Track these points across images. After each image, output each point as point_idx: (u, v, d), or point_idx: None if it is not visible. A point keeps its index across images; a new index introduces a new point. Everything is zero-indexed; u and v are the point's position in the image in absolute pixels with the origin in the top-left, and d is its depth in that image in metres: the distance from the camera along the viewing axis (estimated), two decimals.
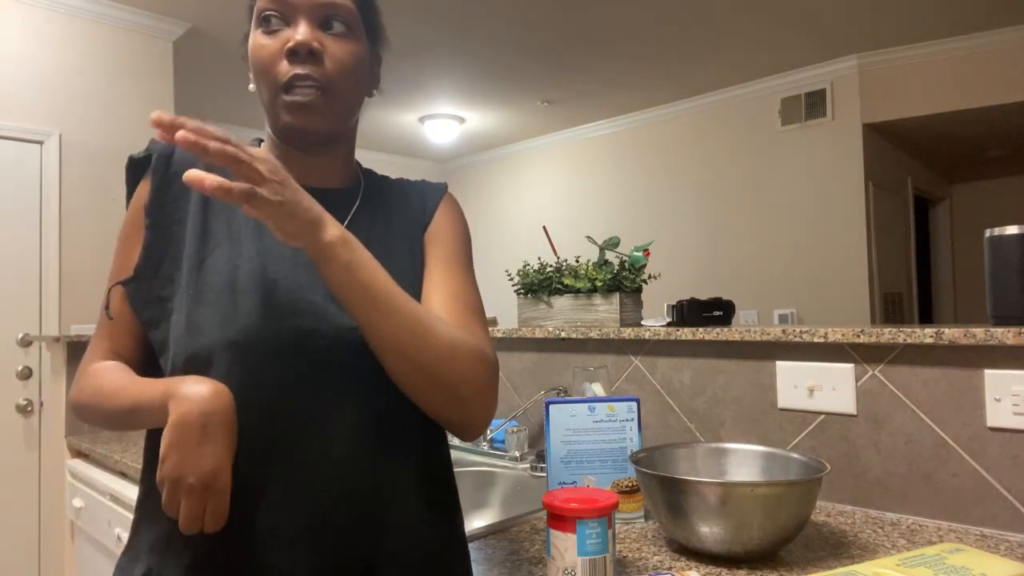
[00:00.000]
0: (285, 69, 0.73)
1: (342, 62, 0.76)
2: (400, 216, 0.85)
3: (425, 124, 5.33)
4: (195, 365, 0.69)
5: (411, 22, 3.62)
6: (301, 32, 0.73)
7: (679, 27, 3.74)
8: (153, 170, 0.79)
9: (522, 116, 5.34)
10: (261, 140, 0.85)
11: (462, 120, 5.35)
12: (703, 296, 1.56)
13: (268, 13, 0.75)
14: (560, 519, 0.83)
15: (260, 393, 0.68)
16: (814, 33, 3.86)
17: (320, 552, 0.68)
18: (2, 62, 2.93)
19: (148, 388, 0.67)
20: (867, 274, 4.14)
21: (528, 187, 6.12)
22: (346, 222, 0.80)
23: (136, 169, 0.82)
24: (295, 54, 0.73)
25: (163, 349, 0.73)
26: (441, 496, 0.79)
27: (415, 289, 0.81)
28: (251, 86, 0.79)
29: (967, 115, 4.08)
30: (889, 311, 4.38)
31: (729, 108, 4.79)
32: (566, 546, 0.82)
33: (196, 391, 0.63)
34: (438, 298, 0.79)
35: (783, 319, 4.45)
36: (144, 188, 0.79)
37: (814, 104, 4.38)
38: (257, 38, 0.75)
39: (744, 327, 1.44)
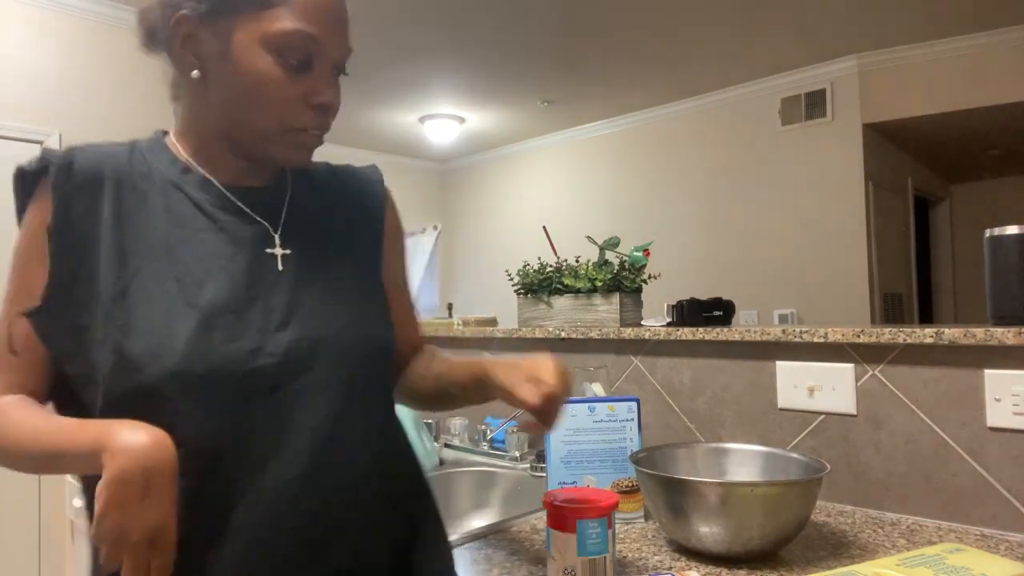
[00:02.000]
0: (305, 116, 0.70)
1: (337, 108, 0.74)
2: (336, 209, 0.82)
3: (425, 124, 5.33)
4: (135, 401, 0.63)
5: (411, 22, 3.62)
6: (333, 90, 0.71)
7: (679, 27, 3.74)
8: (54, 185, 0.69)
9: (522, 116, 5.34)
10: (165, 132, 0.78)
11: (462, 120, 5.35)
12: (703, 296, 1.56)
13: (294, 47, 0.68)
14: (560, 519, 0.83)
15: (210, 422, 0.64)
16: (814, 33, 3.86)
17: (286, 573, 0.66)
18: (2, 62, 2.93)
19: (75, 434, 0.60)
20: (867, 274, 4.14)
21: (528, 187, 6.12)
22: (279, 226, 0.75)
23: (26, 182, 0.71)
24: (325, 111, 0.71)
25: (87, 382, 0.66)
26: (409, 487, 0.79)
27: (363, 289, 0.79)
28: (195, 73, 0.70)
29: (967, 115, 4.08)
30: (889, 311, 4.38)
31: (729, 108, 4.79)
32: (566, 546, 0.82)
33: (134, 442, 0.56)
34: (412, 322, 0.90)
35: (783, 319, 4.45)
36: (43, 205, 0.69)
37: (814, 104, 4.38)
38: (270, 67, 0.68)
39: (744, 327, 1.44)
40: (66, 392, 0.68)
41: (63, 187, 0.69)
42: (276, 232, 0.74)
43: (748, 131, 4.69)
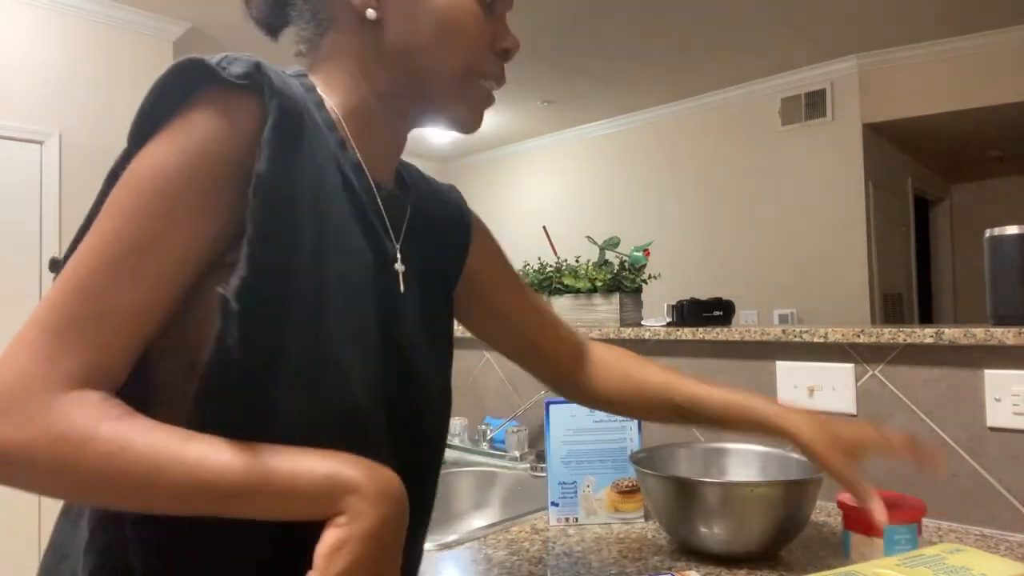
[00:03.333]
0: (492, 63, 0.62)
1: None
2: (437, 230, 0.72)
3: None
4: (345, 427, 0.50)
5: None
6: (513, 36, 0.64)
7: (679, 27, 3.74)
8: (276, 111, 0.49)
9: (522, 116, 5.34)
10: (305, 74, 0.61)
11: None
12: (703, 296, 1.56)
13: None
14: (865, 522, 0.85)
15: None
16: (814, 33, 3.86)
17: None
18: (2, 62, 2.93)
19: (282, 462, 0.45)
20: (867, 274, 4.14)
21: (528, 187, 6.11)
22: (400, 239, 0.64)
23: (194, 75, 0.49)
24: (508, 55, 0.64)
25: (278, 385, 0.48)
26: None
27: (448, 321, 0.73)
28: (371, 12, 0.58)
29: (967, 115, 4.08)
30: (889, 311, 4.38)
31: (729, 108, 4.79)
32: (871, 551, 0.83)
33: (392, 483, 0.46)
34: (548, 314, 0.84)
35: (783, 319, 4.45)
36: (232, 121, 0.48)
37: (814, 104, 4.38)
38: (470, 2, 0.60)
39: (744, 327, 1.43)
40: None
41: (284, 121, 0.49)
42: (397, 243, 0.63)
43: (748, 131, 4.69)
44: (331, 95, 0.60)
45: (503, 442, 1.71)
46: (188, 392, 0.47)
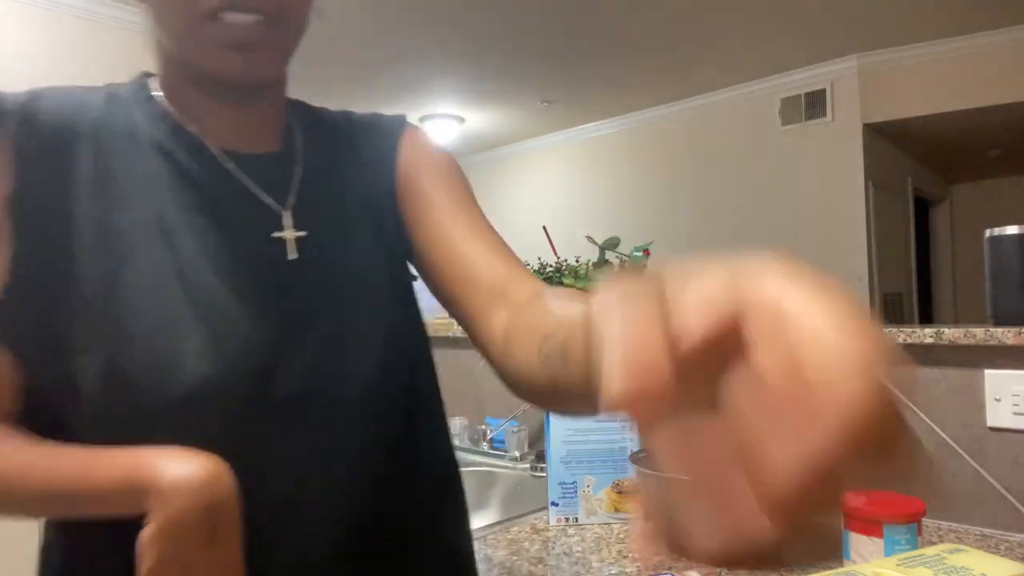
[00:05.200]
0: None
1: None
2: (354, 180, 0.64)
3: (425, 124, 5.34)
4: (131, 426, 0.49)
5: (412, 23, 3.62)
6: None
7: (679, 27, 3.75)
8: (15, 140, 0.52)
9: (522, 116, 5.34)
10: (149, 74, 0.62)
11: (462, 120, 5.36)
12: None
13: None
14: (864, 521, 0.85)
15: (224, 455, 0.48)
16: (814, 33, 3.86)
17: None
18: (2, 62, 2.93)
19: (94, 468, 0.47)
20: (867, 274, 4.14)
21: (528, 187, 6.12)
22: (289, 207, 0.59)
23: None
24: None
25: (64, 399, 0.51)
26: (452, 501, 0.68)
27: (393, 285, 0.63)
28: None
29: (967, 115, 4.08)
30: (889, 311, 4.38)
31: (730, 108, 4.79)
32: (871, 551, 0.83)
33: (189, 475, 0.44)
34: (482, 249, 0.60)
35: None
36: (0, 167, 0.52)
37: (814, 104, 4.38)
38: None
39: None
40: (43, 414, 0.52)
41: (27, 143, 0.53)
42: (286, 209, 0.59)
43: (749, 131, 4.69)
44: (159, 82, 0.60)
45: (503, 442, 1.71)
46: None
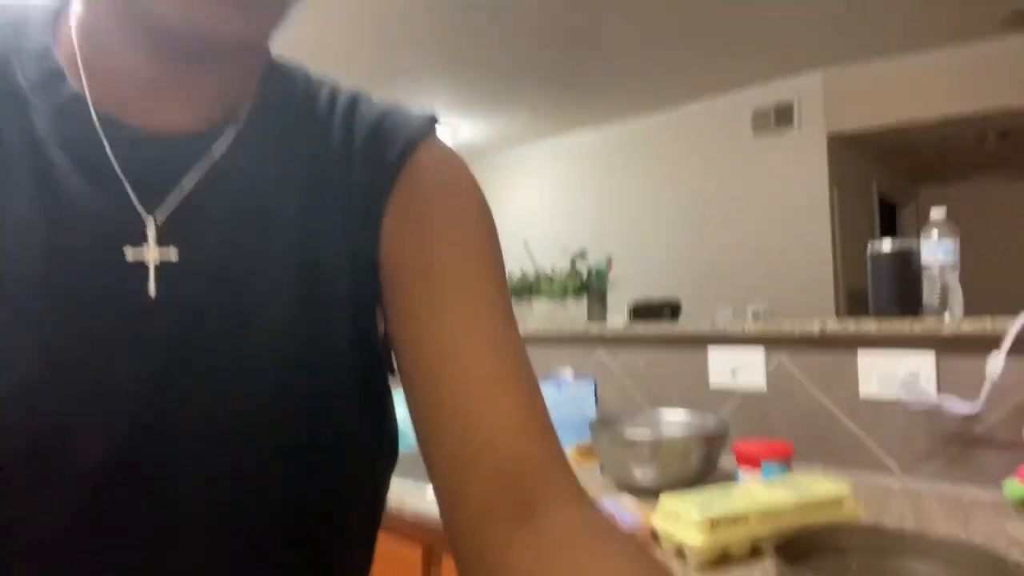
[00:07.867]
0: None
1: None
2: (306, 204, 0.45)
3: None
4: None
5: (402, 29, 3.94)
6: None
7: (657, 42, 4.09)
8: None
9: (506, 125, 5.66)
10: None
11: (454, 128, 5.68)
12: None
13: None
14: (749, 459, 1.20)
15: (46, 518, 0.36)
16: (782, 49, 4.21)
17: None
18: None
19: None
20: (831, 271, 4.50)
21: (512, 195, 6.42)
22: (164, 212, 0.40)
23: None
24: None
25: None
26: None
27: (342, 376, 0.44)
28: None
29: (927, 125, 4.43)
30: (853, 304, 4.73)
31: (705, 119, 5.14)
32: (753, 479, 1.16)
33: None
34: (501, 397, 0.43)
35: (755, 314, 4.79)
36: None
37: (783, 115, 4.73)
38: None
39: (684, 323, 1.77)
40: None
41: None
42: (151, 215, 0.40)
43: (723, 141, 5.03)
44: (76, 21, 0.41)
45: None
46: None
